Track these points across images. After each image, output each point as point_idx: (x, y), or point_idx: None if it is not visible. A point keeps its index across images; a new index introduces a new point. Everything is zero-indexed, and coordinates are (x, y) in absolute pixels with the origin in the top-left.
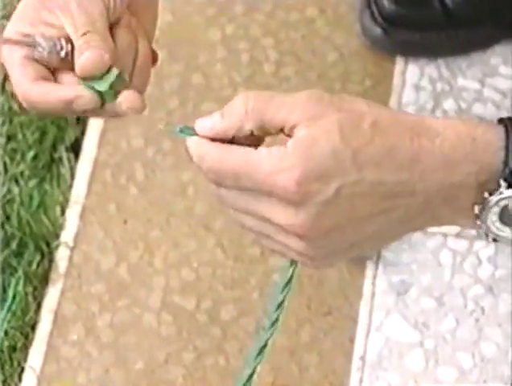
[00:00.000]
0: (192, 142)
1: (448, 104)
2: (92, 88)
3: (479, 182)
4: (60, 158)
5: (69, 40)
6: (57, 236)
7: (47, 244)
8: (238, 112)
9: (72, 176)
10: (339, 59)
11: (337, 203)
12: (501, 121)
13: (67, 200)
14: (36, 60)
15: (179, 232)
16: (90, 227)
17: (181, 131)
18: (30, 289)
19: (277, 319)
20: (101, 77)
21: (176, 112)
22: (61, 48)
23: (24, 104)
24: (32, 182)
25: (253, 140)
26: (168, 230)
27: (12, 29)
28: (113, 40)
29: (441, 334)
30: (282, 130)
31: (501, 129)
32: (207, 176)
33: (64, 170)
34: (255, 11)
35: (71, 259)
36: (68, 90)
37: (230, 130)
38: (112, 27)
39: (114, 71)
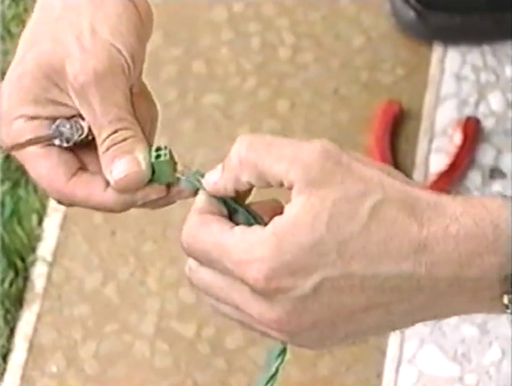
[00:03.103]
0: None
1: (494, 98)
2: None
3: (504, 275)
4: None
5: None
6: (33, 250)
7: (22, 259)
8: (233, 162)
9: None
10: (366, 44)
11: (318, 298)
12: None
13: (45, 207)
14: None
15: (177, 246)
16: (72, 240)
17: (188, 180)
18: (1, 311)
19: None
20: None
21: (174, 105)
22: (81, 130)
23: (58, 202)
24: (4, 187)
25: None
26: (164, 243)
27: (14, 112)
28: (134, 111)
29: (484, 367)
30: (283, 185)
31: None
32: (183, 249)
33: None
34: None
35: (49, 277)
36: (124, 198)
37: (228, 184)
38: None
39: (164, 151)
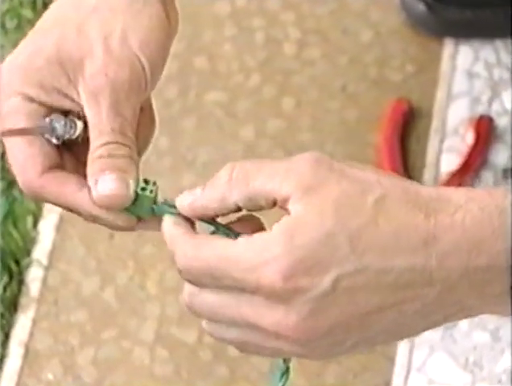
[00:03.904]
0: (166, 229)
1: (508, 95)
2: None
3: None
4: None
5: (83, 117)
6: (28, 253)
7: (17, 263)
8: (221, 181)
9: None
10: (375, 40)
11: (335, 297)
12: None
13: (40, 208)
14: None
15: None
16: (69, 242)
17: (158, 208)
18: None
19: None
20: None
21: (175, 102)
22: (74, 129)
23: (26, 192)
24: None
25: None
26: (164, 246)
27: (16, 86)
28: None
29: (496, 375)
30: (275, 204)
31: None
32: (181, 275)
33: None
34: None
35: (45, 280)
36: (95, 210)
37: (211, 204)
38: None
39: (151, 187)
